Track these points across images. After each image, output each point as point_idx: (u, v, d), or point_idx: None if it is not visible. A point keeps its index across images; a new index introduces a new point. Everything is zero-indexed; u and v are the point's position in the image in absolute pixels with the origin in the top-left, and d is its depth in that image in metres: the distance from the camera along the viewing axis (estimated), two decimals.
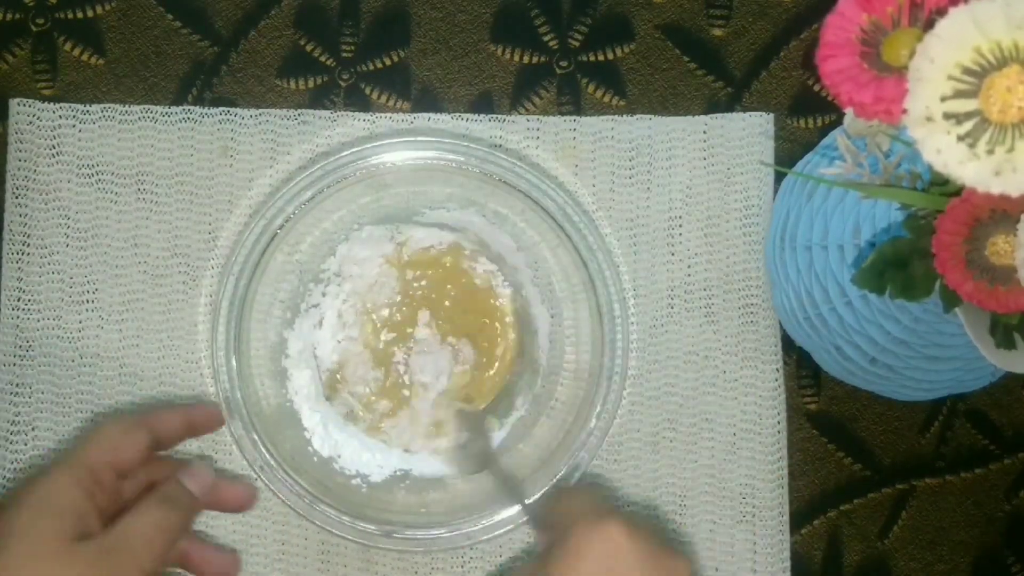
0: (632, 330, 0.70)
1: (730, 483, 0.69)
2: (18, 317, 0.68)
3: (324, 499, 0.64)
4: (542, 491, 0.63)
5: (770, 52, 0.72)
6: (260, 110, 0.70)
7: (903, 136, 0.45)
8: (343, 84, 0.71)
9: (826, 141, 0.68)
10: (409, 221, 0.69)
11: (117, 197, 0.69)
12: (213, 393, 0.68)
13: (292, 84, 0.71)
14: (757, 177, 0.70)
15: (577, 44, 0.72)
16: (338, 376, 0.68)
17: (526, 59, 0.71)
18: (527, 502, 0.62)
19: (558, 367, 0.69)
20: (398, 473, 0.68)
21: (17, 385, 0.68)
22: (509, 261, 0.69)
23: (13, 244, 0.69)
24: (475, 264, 0.69)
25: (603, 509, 0.55)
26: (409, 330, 0.68)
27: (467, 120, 0.70)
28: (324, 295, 0.69)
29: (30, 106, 0.69)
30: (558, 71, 0.72)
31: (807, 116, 0.72)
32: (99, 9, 0.71)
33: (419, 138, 0.66)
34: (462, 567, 0.69)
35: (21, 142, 0.69)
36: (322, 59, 0.71)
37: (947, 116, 0.39)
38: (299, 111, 0.70)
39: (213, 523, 0.68)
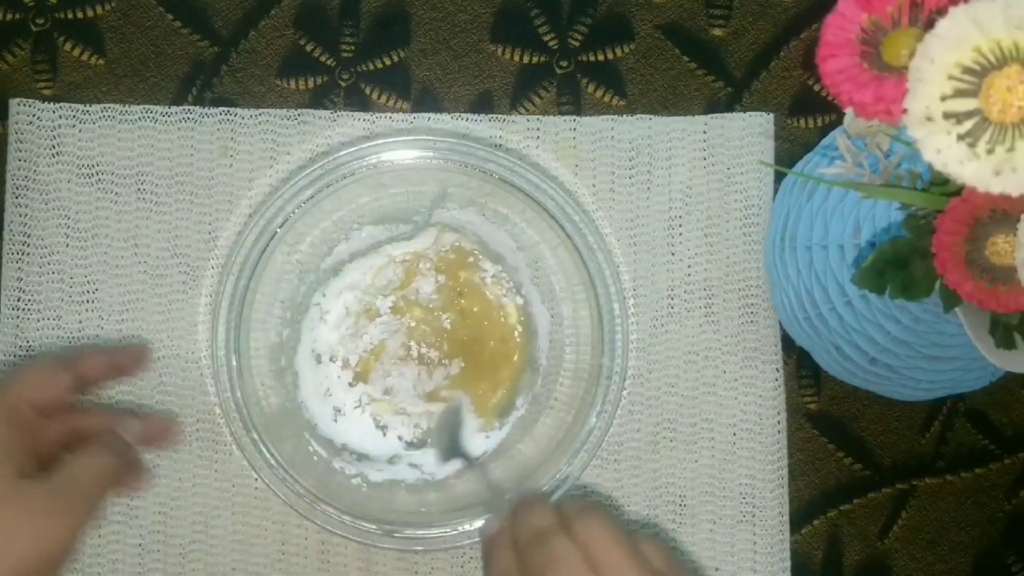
0: (632, 330, 0.70)
1: (730, 483, 0.69)
2: (18, 316, 0.68)
3: (325, 499, 0.64)
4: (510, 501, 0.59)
5: (770, 52, 0.72)
6: (260, 110, 0.70)
7: (903, 136, 0.45)
8: (343, 84, 0.71)
9: (826, 141, 0.68)
10: (408, 221, 0.69)
11: (117, 197, 0.69)
12: (213, 392, 0.68)
13: (292, 84, 0.71)
14: (757, 177, 0.70)
15: (577, 44, 0.72)
16: (368, 358, 0.69)
17: (526, 59, 0.71)
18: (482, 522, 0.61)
19: (558, 367, 0.68)
20: (395, 460, 0.68)
21: None
22: (509, 261, 0.69)
23: (13, 244, 0.69)
24: (482, 271, 0.69)
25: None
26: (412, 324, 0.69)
27: (467, 120, 0.70)
28: (324, 295, 0.69)
29: (30, 106, 0.69)
30: (558, 71, 0.72)
31: (807, 116, 0.72)
32: (99, 9, 0.71)
33: (418, 137, 0.65)
34: (462, 567, 0.69)
35: (21, 142, 0.69)
36: (322, 59, 0.71)
37: (947, 116, 0.39)
38: (299, 111, 0.70)
39: (214, 522, 0.68)
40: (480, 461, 0.68)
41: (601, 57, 0.72)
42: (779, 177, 0.70)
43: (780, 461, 0.69)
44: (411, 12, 0.71)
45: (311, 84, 0.71)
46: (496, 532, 0.54)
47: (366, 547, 0.67)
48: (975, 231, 0.45)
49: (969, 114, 0.39)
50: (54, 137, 0.69)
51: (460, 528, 0.64)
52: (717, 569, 0.69)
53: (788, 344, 0.70)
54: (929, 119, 0.39)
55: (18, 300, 0.68)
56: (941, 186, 0.48)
